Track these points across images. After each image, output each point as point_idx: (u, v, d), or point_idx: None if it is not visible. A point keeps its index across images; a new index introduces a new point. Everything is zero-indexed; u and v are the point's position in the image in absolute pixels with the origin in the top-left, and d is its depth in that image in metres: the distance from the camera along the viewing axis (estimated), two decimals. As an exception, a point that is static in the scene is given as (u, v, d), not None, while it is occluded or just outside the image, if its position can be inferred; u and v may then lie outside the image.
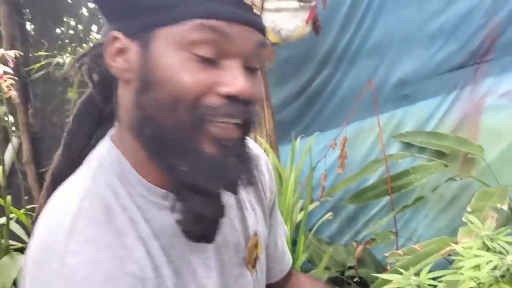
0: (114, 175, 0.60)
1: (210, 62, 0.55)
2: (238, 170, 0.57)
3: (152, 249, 0.59)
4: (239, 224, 0.71)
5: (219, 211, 0.61)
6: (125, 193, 0.59)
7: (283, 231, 0.88)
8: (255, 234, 0.74)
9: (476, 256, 0.98)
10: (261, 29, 0.58)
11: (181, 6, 0.54)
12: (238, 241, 0.71)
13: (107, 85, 0.63)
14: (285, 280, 0.89)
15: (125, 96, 0.59)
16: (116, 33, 0.57)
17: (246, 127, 0.59)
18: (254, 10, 0.57)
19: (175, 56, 0.54)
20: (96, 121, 0.68)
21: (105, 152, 0.62)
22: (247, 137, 0.61)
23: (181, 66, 0.54)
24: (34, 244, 0.56)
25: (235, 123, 0.56)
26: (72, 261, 0.52)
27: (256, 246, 0.75)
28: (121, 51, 0.57)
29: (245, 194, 0.74)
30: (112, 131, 0.64)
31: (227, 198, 0.67)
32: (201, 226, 0.60)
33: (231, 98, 0.55)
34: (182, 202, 0.59)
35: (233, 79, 0.55)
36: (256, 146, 0.80)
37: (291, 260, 0.90)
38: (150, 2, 0.54)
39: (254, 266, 0.73)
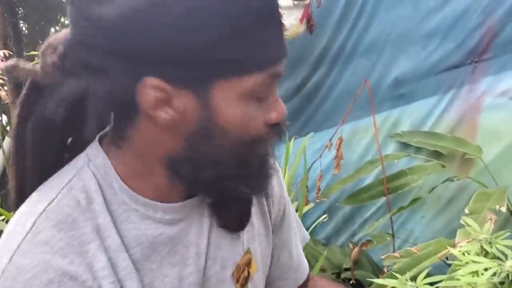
0: (95, 179, 0.58)
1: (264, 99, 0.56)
2: (273, 169, 0.63)
3: (119, 260, 0.57)
4: (230, 239, 0.69)
5: (250, 202, 0.69)
6: (100, 199, 0.58)
7: (300, 238, 0.87)
8: (248, 252, 0.72)
9: (474, 262, 0.95)
10: None
11: (251, 58, 0.52)
12: (227, 257, 0.68)
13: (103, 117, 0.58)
14: (302, 287, 0.88)
15: (157, 135, 0.56)
16: (154, 81, 0.51)
17: None
18: None
19: (241, 107, 0.54)
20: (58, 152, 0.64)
21: (92, 155, 0.60)
22: None
23: (248, 115, 0.55)
24: (5, 231, 0.56)
25: None
26: (20, 261, 0.52)
27: (248, 264, 0.73)
28: (163, 100, 0.52)
29: None
30: (102, 139, 0.62)
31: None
32: (243, 218, 0.68)
33: (275, 123, 0.58)
34: (218, 210, 0.66)
35: (277, 106, 0.57)
36: None
37: (307, 268, 0.88)
38: (219, 55, 0.50)
39: (244, 285, 0.71)
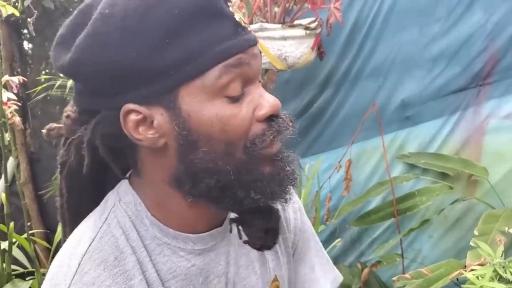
0: (127, 216, 0.61)
1: (240, 96, 0.56)
2: (294, 172, 0.60)
3: None
4: (259, 267, 0.71)
5: (277, 215, 0.67)
6: (136, 235, 0.60)
7: (330, 278, 0.82)
8: (275, 279, 0.74)
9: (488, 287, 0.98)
10: (257, 41, 0.59)
11: (201, 57, 0.53)
12: (256, 285, 0.70)
13: (115, 153, 0.61)
14: None
15: (155, 158, 0.58)
16: (128, 106, 0.54)
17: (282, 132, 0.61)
18: (247, 26, 0.59)
19: (212, 107, 0.54)
20: (100, 186, 0.67)
21: (122, 192, 0.63)
22: None
23: (223, 113, 0.54)
24: (46, 279, 0.58)
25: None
26: None
27: None
28: (141, 122, 0.55)
29: None
30: (130, 176, 0.65)
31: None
32: (268, 236, 0.66)
33: (270, 117, 0.57)
34: (246, 226, 0.64)
35: (263, 100, 0.57)
36: None
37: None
38: (167, 63, 0.52)
39: None
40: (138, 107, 0.54)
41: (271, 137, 0.57)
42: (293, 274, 0.78)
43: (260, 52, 0.60)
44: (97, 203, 0.65)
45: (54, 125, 0.67)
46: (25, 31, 2.84)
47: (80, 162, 0.61)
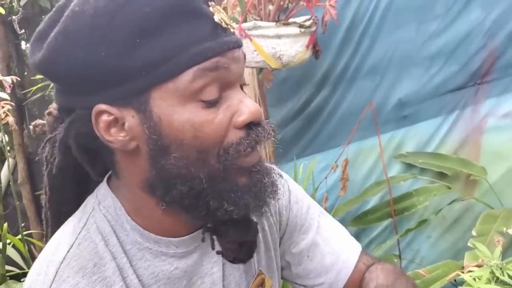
0: (107, 221, 0.59)
1: (216, 101, 0.53)
2: (273, 184, 0.58)
3: None
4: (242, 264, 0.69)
5: (254, 229, 0.64)
6: (115, 240, 0.59)
7: (328, 235, 0.78)
8: (260, 273, 0.72)
9: (486, 288, 0.96)
10: (241, 43, 0.57)
11: (174, 58, 0.50)
12: (240, 281, 0.69)
13: (90, 154, 0.60)
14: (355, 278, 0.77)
15: (129, 162, 0.57)
16: (100, 107, 0.53)
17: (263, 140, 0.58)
18: (230, 27, 0.56)
19: (184, 111, 0.52)
20: (82, 185, 0.65)
21: (101, 196, 0.61)
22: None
23: (195, 119, 0.52)
24: (26, 282, 0.57)
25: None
26: None
27: (262, 284, 0.73)
28: (112, 123, 0.53)
29: None
30: (110, 178, 0.63)
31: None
32: (244, 249, 0.62)
33: (248, 125, 0.55)
34: (220, 237, 0.61)
35: (243, 106, 0.55)
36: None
37: (351, 260, 0.77)
38: (138, 64, 0.50)
39: None
40: (109, 108, 0.52)
41: (248, 147, 0.54)
42: (279, 260, 0.77)
43: (244, 56, 0.57)
44: (79, 203, 0.64)
45: (40, 121, 0.67)
46: (22, 31, 2.84)
47: (63, 160, 0.60)
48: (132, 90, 0.51)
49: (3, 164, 2.50)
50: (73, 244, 0.57)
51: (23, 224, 1.85)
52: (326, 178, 1.75)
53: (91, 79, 0.51)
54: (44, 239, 0.68)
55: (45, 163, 0.64)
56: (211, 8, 0.54)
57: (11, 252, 1.98)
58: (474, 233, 1.35)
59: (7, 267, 1.88)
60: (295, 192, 0.79)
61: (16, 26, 1.93)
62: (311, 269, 0.76)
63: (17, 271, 2.04)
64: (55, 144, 0.59)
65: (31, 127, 0.69)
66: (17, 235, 1.96)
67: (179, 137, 0.52)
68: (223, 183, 0.55)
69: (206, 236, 0.63)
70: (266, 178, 0.57)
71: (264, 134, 0.56)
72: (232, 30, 0.56)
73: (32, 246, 2.24)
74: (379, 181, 1.71)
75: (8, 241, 1.86)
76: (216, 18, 0.53)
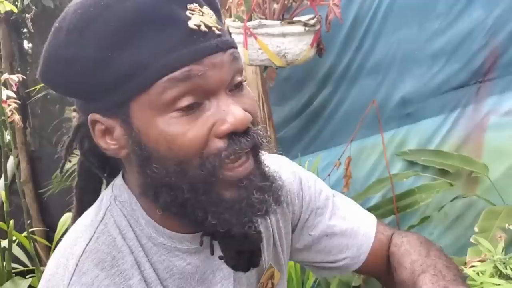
0: (123, 216, 0.61)
1: (195, 107, 0.52)
2: (264, 201, 0.54)
3: None
4: None
5: (257, 237, 0.62)
6: (132, 234, 0.60)
7: (343, 213, 0.78)
8: (270, 266, 0.74)
9: (489, 283, 0.98)
10: (229, 44, 0.54)
11: (144, 70, 0.50)
12: (251, 274, 0.70)
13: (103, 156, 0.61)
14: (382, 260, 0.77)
15: (130, 168, 0.59)
16: (94, 116, 0.55)
17: (256, 148, 0.56)
18: (214, 30, 0.53)
19: (161, 123, 0.51)
20: (100, 177, 0.69)
21: (116, 191, 0.62)
22: (260, 156, 0.58)
23: (172, 129, 0.51)
24: (43, 280, 0.58)
25: (245, 153, 0.54)
26: None
27: (272, 277, 0.75)
28: (106, 132, 0.55)
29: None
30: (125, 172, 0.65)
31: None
32: (244, 257, 0.62)
33: (233, 133, 0.53)
34: (220, 243, 0.61)
35: (226, 114, 0.52)
36: (275, 158, 0.76)
37: (369, 233, 0.77)
38: (112, 78, 0.51)
39: None
40: (101, 118, 0.55)
41: (226, 158, 0.52)
42: (286, 255, 0.78)
43: (235, 58, 0.54)
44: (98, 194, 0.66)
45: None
46: (25, 30, 2.85)
47: (81, 161, 0.66)
48: (113, 102, 0.53)
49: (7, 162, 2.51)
50: (91, 237, 0.58)
51: (28, 222, 1.86)
52: (329, 175, 1.77)
53: (78, 92, 0.55)
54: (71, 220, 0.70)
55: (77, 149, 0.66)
56: (188, 12, 0.51)
57: (15, 249, 1.99)
58: (476, 229, 1.36)
59: (12, 265, 1.89)
60: (306, 179, 0.80)
61: (29, 24, 1.94)
62: (332, 246, 0.77)
63: (21, 268, 2.06)
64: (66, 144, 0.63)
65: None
66: (20, 233, 1.97)
67: (156, 148, 0.52)
68: (206, 195, 0.53)
69: (206, 241, 0.62)
70: (256, 194, 0.54)
71: (248, 144, 0.53)
72: (217, 32, 0.53)
73: (35, 244, 2.25)
74: (382, 178, 1.72)
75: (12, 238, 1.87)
76: (192, 23, 0.51)
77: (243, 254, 0.62)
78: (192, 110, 0.51)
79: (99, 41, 0.50)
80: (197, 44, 0.50)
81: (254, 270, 0.70)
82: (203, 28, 0.51)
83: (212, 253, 0.63)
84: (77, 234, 0.60)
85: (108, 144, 0.56)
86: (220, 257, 0.63)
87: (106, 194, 0.64)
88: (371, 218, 0.81)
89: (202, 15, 0.52)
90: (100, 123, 0.55)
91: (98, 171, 0.65)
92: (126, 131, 0.53)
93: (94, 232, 0.59)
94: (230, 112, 0.52)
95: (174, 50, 0.49)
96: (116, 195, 0.62)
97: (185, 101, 0.50)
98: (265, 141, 0.56)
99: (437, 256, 0.69)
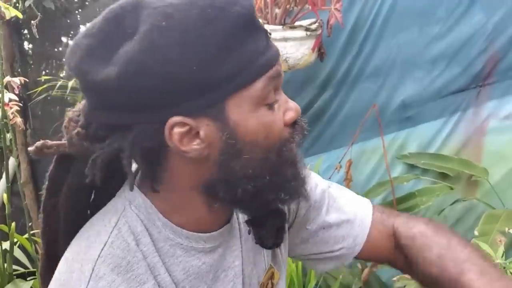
0: (139, 220, 0.61)
1: (274, 103, 0.59)
2: (305, 174, 0.64)
3: None
4: (253, 256, 0.72)
5: (285, 216, 0.71)
6: (148, 239, 0.60)
7: (339, 204, 0.81)
8: (271, 267, 0.75)
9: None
10: None
11: (248, 69, 0.55)
12: (251, 274, 0.72)
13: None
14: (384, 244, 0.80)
15: (190, 167, 0.59)
16: (175, 119, 0.54)
17: None
18: None
19: (256, 116, 0.56)
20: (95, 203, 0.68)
21: (130, 196, 0.63)
22: None
23: (269, 119, 0.57)
24: (54, 282, 0.57)
25: None
26: None
27: (272, 277, 0.76)
28: (185, 134, 0.55)
29: None
30: (134, 181, 0.64)
31: (244, 230, 0.71)
32: (279, 235, 0.69)
33: (294, 122, 0.61)
34: (259, 227, 0.67)
35: (288, 106, 0.61)
36: None
37: (366, 222, 0.80)
38: (220, 76, 0.53)
39: None
40: (184, 119, 0.54)
41: (298, 140, 0.61)
42: (285, 252, 0.80)
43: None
44: (92, 214, 0.65)
45: (50, 142, 0.63)
46: (26, 31, 2.85)
47: (97, 179, 0.59)
48: (211, 101, 0.54)
49: (6, 164, 2.51)
50: (106, 242, 0.58)
51: (29, 224, 1.86)
52: (329, 178, 1.77)
53: (172, 93, 0.53)
54: (46, 254, 0.68)
55: (52, 185, 0.65)
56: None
57: (16, 251, 1.99)
58: (476, 233, 1.37)
59: (13, 267, 1.89)
60: None
61: (34, 30, 1.94)
62: (329, 237, 0.80)
63: (23, 270, 2.06)
64: (100, 161, 0.58)
65: (33, 148, 0.65)
66: (21, 235, 1.97)
67: (253, 139, 0.57)
68: (279, 176, 0.60)
69: (236, 228, 0.69)
70: (302, 167, 0.64)
71: (304, 128, 0.62)
72: None
73: (36, 246, 2.25)
74: (382, 181, 1.73)
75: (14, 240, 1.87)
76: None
77: (279, 231, 0.69)
78: (273, 104, 0.59)
79: (217, 41, 0.52)
80: (273, 48, 0.58)
81: (255, 270, 0.72)
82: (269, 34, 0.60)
83: (255, 240, 0.69)
84: (90, 240, 0.60)
85: (188, 146, 0.56)
86: (257, 242, 0.68)
87: (117, 201, 0.64)
88: (367, 206, 0.83)
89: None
90: (181, 125, 0.54)
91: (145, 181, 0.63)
92: (219, 127, 0.55)
93: (109, 237, 0.59)
94: (289, 104, 0.61)
95: (266, 51, 0.56)
96: (130, 200, 0.62)
97: (271, 98, 0.58)
98: (307, 128, 0.64)
99: (458, 243, 0.73)
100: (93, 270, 0.56)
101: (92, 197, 0.68)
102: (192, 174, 0.59)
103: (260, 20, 1.43)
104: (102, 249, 0.58)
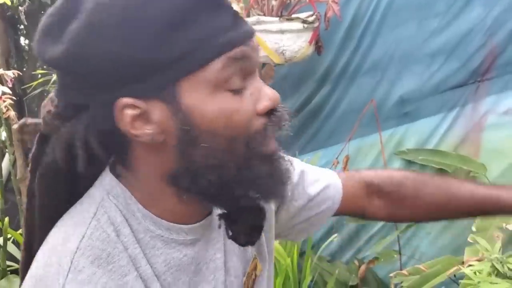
0: (118, 210, 0.59)
1: (241, 89, 0.54)
2: (286, 173, 0.59)
3: None
4: (237, 248, 0.70)
5: (264, 213, 0.65)
6: (128, 230, 0.58)
7: (311, 178, 0.81)
8: (255, 257, 0.74)
9: (487, 282, 0.98)
10: (255, 33, 0.58)
11: (203, 48, 0.51)
12: (237, 265, 0.70)
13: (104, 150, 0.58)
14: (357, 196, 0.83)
15: (151, 154, 0.56)
16: (124, 101, 0.52)
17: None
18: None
19: (214, 101, 0.52)
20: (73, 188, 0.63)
21: (108, 186, 0.60)
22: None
23: (230, 106, 0.53)
24: (30, 278, 0.55)
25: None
26: None
27: (255, 268, 0.75)
28: (137, 117, 0.52)
29: None
30: (112, 169, 0.61)
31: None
32: (254, 233, 0.65)
33: (269, 112, 0.56)
34: (233, 223, 0.62)
35: (263, 94, 0.55)
36: None
37: (339, 188, 0.81)
38: (169, 55, 0.50)
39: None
40: (135, 101, 0.52)
41: (272, 132, 0.56)
42: (271, 244, 0.79)
43: (257, 44, 0.59)
44: (70, 205, 0.62)
45: (30, 120, 0.63)
46: (22, 26, 2.83)
47: (66, 159, 0.57)
48: (161, 82, 0.51)
49: (2, 159, 2.50)
50: (84, 234, 0.56)
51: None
52: (326, 174, 1.76)
53: (119, 73, 0.51)
54: (26, 244, 0.65)
55: (32, 164, 0.61)
56: None
57: (10, 247, 1.97)
58: (474, 228, 1.37)
59: (7, 262, 1.88)
60: None
61: (22, 17, 1.92)
62: (313, 205, 0.81)
63: (16, 266, 2.04)
64: (71, 142, 0.56)
65: (16, 126, 0.64)
66: (15, 231, 1.96)
67: (211, 126, 0.52)
68: (249, 171, 0.55)
69: (221, 223, 0.64)
70: (283, 165, 0.58)
71: (283, 118, 0.57)
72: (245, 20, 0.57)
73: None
74: (380, 177, 1.72)
75: (8, 235, 1.86)
76: (234, 8, 0.54)
77: (255, 228, 0.65)
78: (239, 91, 0.54)
79: (162, 17, 0.49)
80: (242, 28, 0.54)
81: (239, 261, 0.71)
82: (240, 14, 0.57)
83: (228, 234, 0.64)
84: (68, 231, 0.57)
85: (140, 130, 0.53)
86: (230, 237, 0.64)
87: (95, 190, 0.61)
88: (330, 170, 0.86)
89: (234, 3, 0.56)
90: (132, 107, 0.52)
91: (108, 165, 0.61)
92: (172, 112, 0.52)
93: (87, 228, 0.56)
94: (265, 91, 0.56)
95: (229, 31, 0.52)
96: (108, 190, 0.60)
97: (236, 81, 0.53)
98: (290, 117, 0.59)
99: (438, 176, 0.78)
100: (71, 263, 0.53)
101: (71, 186, 0.63)
102: (158, 162, 0.56)
103: (256, 12, 1.42)
104: (80, 241, 0.55)
